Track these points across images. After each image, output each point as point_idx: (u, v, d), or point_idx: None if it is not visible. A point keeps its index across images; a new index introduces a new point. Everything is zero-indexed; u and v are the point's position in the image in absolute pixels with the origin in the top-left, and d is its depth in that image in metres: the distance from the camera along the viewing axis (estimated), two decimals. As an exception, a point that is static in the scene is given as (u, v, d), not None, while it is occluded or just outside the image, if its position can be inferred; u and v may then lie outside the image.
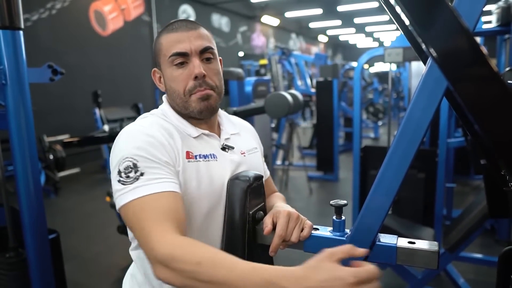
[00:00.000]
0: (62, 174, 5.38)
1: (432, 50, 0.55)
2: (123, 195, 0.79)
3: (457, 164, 4.05)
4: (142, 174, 0.80)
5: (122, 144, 0.85)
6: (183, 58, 0.90)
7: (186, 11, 10.12)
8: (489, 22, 2.83)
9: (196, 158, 0.91)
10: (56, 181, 4.88)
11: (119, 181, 0.80)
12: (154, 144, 0.85)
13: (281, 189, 4.90)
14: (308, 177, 5.11)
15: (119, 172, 0.81)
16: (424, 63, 0.91)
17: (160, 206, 0.78)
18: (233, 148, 1.00)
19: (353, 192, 3.07)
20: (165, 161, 0.84)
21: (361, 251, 0.67)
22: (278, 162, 6.09)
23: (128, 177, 0.80)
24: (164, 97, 1.01)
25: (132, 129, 0.88)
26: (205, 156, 0.93)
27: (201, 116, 0.94)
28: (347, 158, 6.65)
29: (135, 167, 0.81)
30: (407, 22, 0.61)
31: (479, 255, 2.81)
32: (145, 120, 0.93)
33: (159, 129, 0.89)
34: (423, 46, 0.60)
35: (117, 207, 0.82)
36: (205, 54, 0.92)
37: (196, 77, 0.90)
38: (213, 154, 0.95)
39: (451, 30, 0.55)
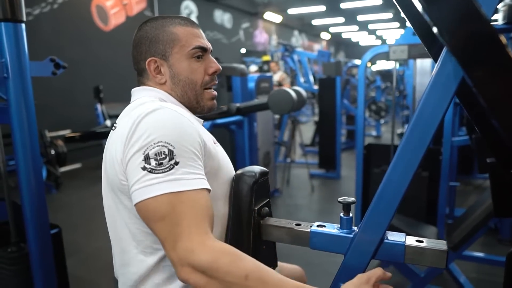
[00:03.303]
0: (63, 169, 5.37)
1: (447, 39, 0.53)
2: (153, 185, 0.71)
3: (459, 163, 4.03)
4: (176, 163, 0.72)
5: (156, 125, 0.74)
6: (202, 52, 0.92)
7: (189, 7, 10.08)
8: (495, 20, 2.80)
9: (215, 143, 0.92)
10: (58, 177, 4.87)
11: (145, 168, 0.71)
12: (192, 132, 0.78)
13: (283, 186, 4.89)
14: (310, 175, 5.09)
15: (147, 158, 0.71)
16: (434, 58, 0.90)
17: (200, 205, 0.73)
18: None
19: (356, 190, 3.06)
20: (199, 152, 0.78)
21: (389, 275, 0.77)
22: (280, 159, 6.08)
23: (160, 164, 0.71)
24: (155, 89, 0.91)
25: (166, 112, 0.77)
26: (214, 142, 0.94)
27: (206, 113, 0.97)
28: (349, 156, 6.63)
29: (170, 154, 0.72)
30: (420, 8, 0.59)
31: (481, 254, 2.80)
32: (169, 105, 0.83)
33: (190, 115, 0.86)
34: (437, 35, 0.57)
35: (139, 198, 0.71)
36: None
37: (214, 73, 0.94)
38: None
39: (468, 18, 0.53)
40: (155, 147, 0.72)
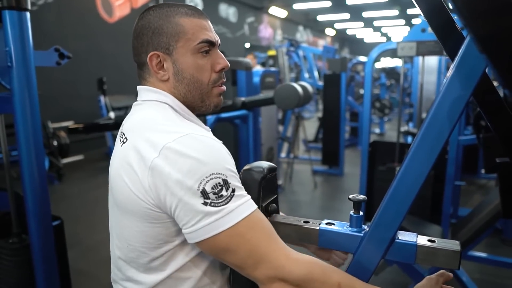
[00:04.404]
0: (65, 161, 5.37)
1: (474, 26, 0.50)
2: (222, 218, 0.69)
3: (463, 162, 4.00)
4: (233, 191, 0.71)
5: (199, 157, 0.70)
6: (209, 47, 0.84)
7: (194, 0, 10.03)
8: None
9: None
10: (60, 168, 4.87)
11: (206, 203, 0.69)
12: (227, 153, 0.76)
13: (285, 182, 4.87)
14: (313, 171, 5.08)
15: (204, 193, 0.68)
16: (449, 53, 0.87)
17: (265, 222, 0.74)
18: None
19: (360, 187, 3.03)
20: (236, 171, 0.77)
21: (451, 276, 0.80)
22: (283, 154, 6.06)
23: (220, 196, 0.69)
24: (163, 93, 0.84)
25: (198, 139, 0.73)
26: None
27: (213, 111, 0.91)
28: (352, 153, 6.61)
29: (225, 183, 0.70)
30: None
31: (484, 254, 2.78)
32: (190, 125, 0.79)
33: (210, 133, 0.82)
34: (461, 22, 0.54)
35: (207, 234, 0.69)
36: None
37: (222, 70, 0.86)
38: None
39: (498, 3, 0.49)
40: (209, 180, 0.69)
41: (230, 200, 0.70)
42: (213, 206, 0.69)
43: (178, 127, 0.76)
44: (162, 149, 0.71)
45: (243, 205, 0.71)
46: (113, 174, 0.81)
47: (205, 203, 0.69)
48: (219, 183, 0.69)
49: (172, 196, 0.70)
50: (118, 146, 0.82)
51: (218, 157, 0.72)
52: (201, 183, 0.69)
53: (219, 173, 0.70)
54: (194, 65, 0.83)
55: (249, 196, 0.74)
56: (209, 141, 0.74)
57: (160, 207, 0.73)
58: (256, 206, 0.74)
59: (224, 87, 0.90)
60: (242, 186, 0.75)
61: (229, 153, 0.78)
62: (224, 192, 0.70)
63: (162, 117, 0.80)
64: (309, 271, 0.71)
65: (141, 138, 0.76)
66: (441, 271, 0.79)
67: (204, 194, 0.69)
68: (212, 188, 0.69)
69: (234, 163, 0.77)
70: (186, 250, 0.79)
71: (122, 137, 0.82)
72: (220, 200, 0.69)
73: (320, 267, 0.73)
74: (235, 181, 0.73)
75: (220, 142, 0.79)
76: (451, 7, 0.60)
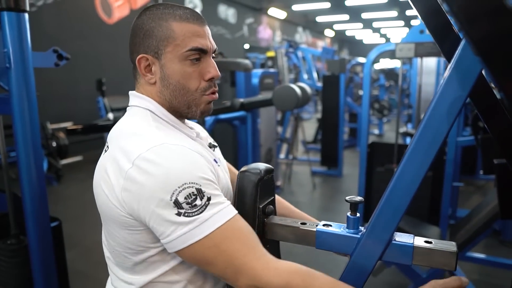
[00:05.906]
0: (64, 162, 5.36)
1: (468, 30, 0.50)
2: (196, 228, 0.67)
3: (462, 163, 4.01)
4: (209, 199, 0.69)
5: (172, 168, 0.69)
6: (199, 54, 0.81)
7: (193, 1, 10.04)
8: None
9: (216, 162, 0.86)
10: (59, 169, 4.86)
11: (180, 213, 0.67)
12: (205, 162, 0.75)
13: (284, 183, 4.87)
14: (311, 172, 5.08)
15: (177, 203, 0.67)
16: (446, 55, 0.87)
17: (244, 229, 0.72)
18: (216, 146, 0.97)
19: (359, 189, 3.03)
20: (215, 179, 0.75)
21: (467, 282, 0.69)
22: (282, 155, 6.06)
23: (194, 206, 0.68)
24: (147, 99, 0.83)
25: (172, 149, 0.72)
26: (215, 161, 0.87)
27: (198, 118, 0.88)
28: (351, 154, 6.61)
29: (200, 192, 0.69)
30: None
31: (483, 255, 2.78)
32: (168, 133, 0.77)
33: (190, 141, 0.80)
34: (457, 25, 0.55)
35: (182, 245, 0.69)
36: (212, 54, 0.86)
37: (211, 79, 0.83)
38: (216, 158, 0.91)
39: (493, 6, 0.49)
40: (182, 190, 0.68)
41: (205, 209, 0.69)
42: (187, 216, 0.68)
43: (154, 136, 0.75)
44: (135, 159, 0.70)
45: (219, 213, 0.70)
46: (95, 182, 0.81)
47: (178, 213, 0.68)
48: (192, 192, 0.68)
49: (145, 208, 0.69)
50: (102, 155, 0.83)
51: (192, 166, 0.71)
52: (173, 193, 0.68)
53: (192, 183, 0.69)
54: (180, 72, 0.80)
55: (227, 203, 0.72)
56: (182, 150, 0.73)
57: (134, 216, 0.72)
58: (235, 212, 0.72)
59: (216, 96, 0.87)
60: (221, 193, 0.74)
61: (209, 163, 0.77)
62: (198, 202, 0.68)
63: (140, 125, 0.79)
64: (287, 282, 0.67)
65: (118, 147, 0.76)
66: (456, 277, 0.69)
67: (177, 204, 0.68)
68: (185, 198, 0.68)
69: (211, 171, 0.75)
70: (169, 256, 0.78)
71: (106, 145, 0.82)
72: (194, 210, 0.68)
73: (300, 276, 0.69)
74: (211, 189, 0.71)
75: (201, 151, 0.77)
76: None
